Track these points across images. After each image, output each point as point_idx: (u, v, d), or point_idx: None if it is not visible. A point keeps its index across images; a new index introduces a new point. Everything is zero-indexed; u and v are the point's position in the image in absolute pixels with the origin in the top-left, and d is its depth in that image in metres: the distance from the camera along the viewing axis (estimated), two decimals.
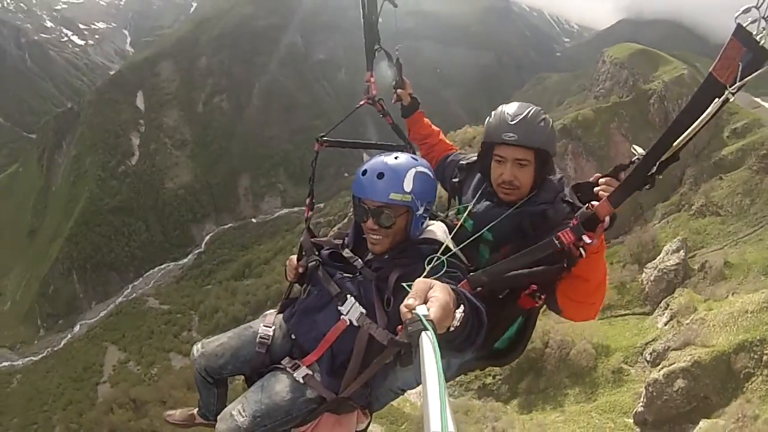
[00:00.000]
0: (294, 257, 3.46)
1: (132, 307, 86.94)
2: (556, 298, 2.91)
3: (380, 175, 2.79)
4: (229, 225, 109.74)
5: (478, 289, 2.71)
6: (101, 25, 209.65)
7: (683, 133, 2.14)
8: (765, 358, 21.45)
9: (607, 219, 2.53)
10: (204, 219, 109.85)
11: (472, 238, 3.10)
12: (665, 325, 28.14)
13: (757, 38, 1.84)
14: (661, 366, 23.12)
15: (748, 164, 46.00)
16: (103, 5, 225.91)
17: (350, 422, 3.05)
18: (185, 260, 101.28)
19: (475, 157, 3.56)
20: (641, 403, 22.25)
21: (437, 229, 3.08)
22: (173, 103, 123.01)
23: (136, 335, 77.16)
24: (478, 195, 3.37)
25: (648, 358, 26.15)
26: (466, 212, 3.25)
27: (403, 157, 2.93)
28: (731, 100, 1.98)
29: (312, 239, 3.35)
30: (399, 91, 4.02)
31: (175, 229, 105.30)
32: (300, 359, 3.01)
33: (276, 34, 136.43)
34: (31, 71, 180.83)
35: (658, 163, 2.31)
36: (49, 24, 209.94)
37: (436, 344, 1.29)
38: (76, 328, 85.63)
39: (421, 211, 2.92)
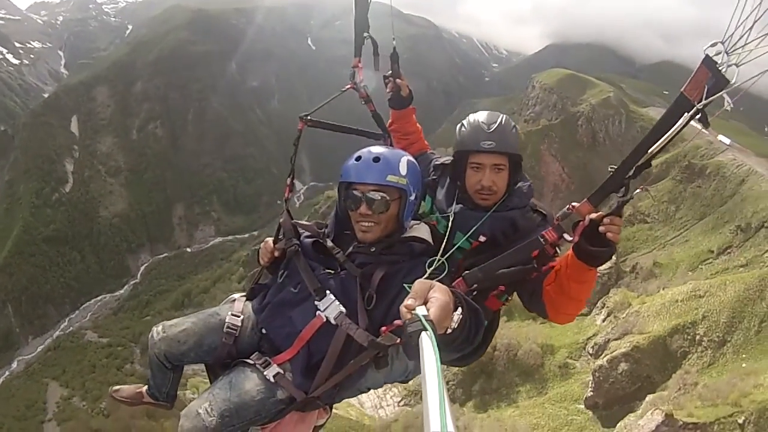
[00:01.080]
0: (270, 239, 3.39)
1: (70, 341, 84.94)
2: (545, 310, 3.06)
3: (376, 159, 2.85)
4: (165, 254, 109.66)
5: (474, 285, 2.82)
6: (36, 44, 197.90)
7: (657, 141, 2.55)
8: (698, 337, 25.00)
9: (587, 218, 2.74)
10: (139, 248, 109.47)
11: (456, 246, 3.19)
12: (603, 321, 31.11)
13: (720, 68, 2.30)
14: (604, 355, 25.84)
15: (672, 175, 50.71)
16: (40, 23, 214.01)
17: (312, 418, 3.02)
18: (121, 291, 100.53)
19: (449, 160, 3.66)
20: (590, 389, 24.93)
21: (422, 229, 3.14)
22: (108, 129, 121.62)
23: (77, 370, 75.16)
24: (454, 199, 3.43)
25: (590, 351, 28.80)
26: (451, 219, 3.30)
27: (392, 148, 3.14)
28: (698, 116, 2.43)
29: (293, 222, 3.29)
30: (398, 81, 4.01)
31: (110, 260, 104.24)
32: (270, 355, 2.93)
33: (211, 60, 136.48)
34: None
35: (634, 168, 2.67)
36: None
37: (436, 345, 1.32)
38: (14, 365, 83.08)
39: (412, 198, 2.97)
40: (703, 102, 2.36)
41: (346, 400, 3.49)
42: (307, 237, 3.20)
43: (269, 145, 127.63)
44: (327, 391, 2.84)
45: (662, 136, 2.55)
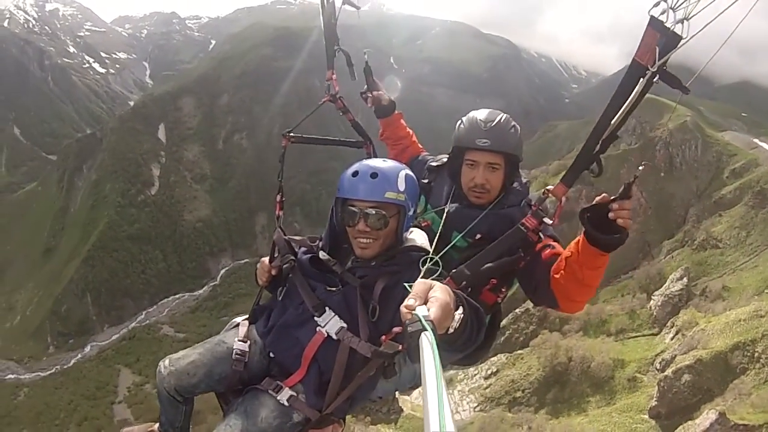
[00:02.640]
0: (265, 259, 3.29)
1: (146, 333, 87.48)
2: (555, 299, 2.99)
3: (374, 175, 2.76)
4: (245, 260, 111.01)
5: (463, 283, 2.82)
6: (122, 55, 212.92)
7: (617, 112, 2.52)
8: (756, 354, 25.40)
9: (564, 199, 2.78)
10: (220, 253, 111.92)
11: (451, 245, 3.18)
12: (671, 339, 31.44)
13: (668, 25, 2.27)
14: (669, 367, 26.62)
15: (745, 201, 50.33)
16: (125, 36, 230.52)
17: None
18: (200, 291, 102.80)
19: (444, 160, 3.66)
20: (655, 399, 25.47)
21: (419, 236, 3.09)
22: (194, 138, 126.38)
23: (152, 360, 75.47)
24: (450, 198, 3.45)
25: (658, 366, 29.15)
26: (443, 216, 3.32)
27: (390, 161, 2.98)
28: (655, 79, 2.40)
29: (286, 237, 3.25)
30: (375, 93, 4.04)
31: (191, 261, 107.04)
32: (280, 378, 2.89)
33: (295, 76, 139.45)
34: (53, 93, 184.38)
35: (600, 142, 2.63)
36: (72, 49, 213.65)
37: (435, 345, 1.30)
38: (87, 349, 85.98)
39: (411, 212, 2.93)
40: (657, 63, 2.34)
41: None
42: (304, 253, 3.13)
43: (349, 157, 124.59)
44: (339, 406, 2.81)
45: (622, 107, 2.51)
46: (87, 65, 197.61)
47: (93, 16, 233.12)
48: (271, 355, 2.99)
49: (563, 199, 2.81)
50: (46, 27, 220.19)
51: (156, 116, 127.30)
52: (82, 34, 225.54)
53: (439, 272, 2.64)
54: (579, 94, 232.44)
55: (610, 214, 2.55)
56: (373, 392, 3.03)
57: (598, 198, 2.60)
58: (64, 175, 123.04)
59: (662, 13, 2.27)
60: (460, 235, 3.22)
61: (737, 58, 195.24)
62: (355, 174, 2.79)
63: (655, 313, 36.74)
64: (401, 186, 2.80)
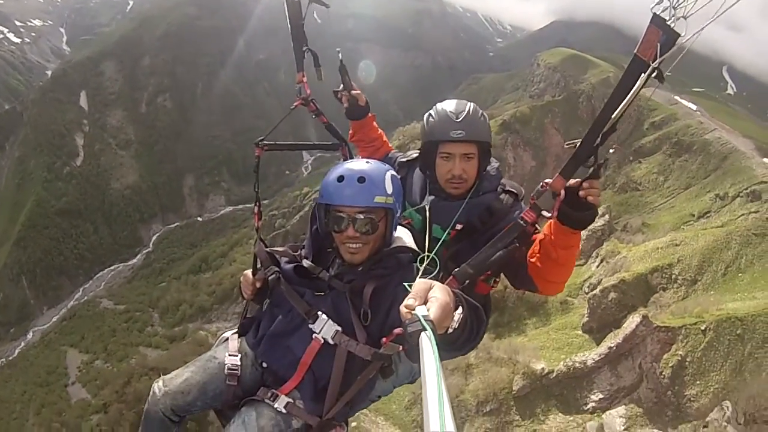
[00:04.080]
0: (248, 272, 3.26)
1: (86, 310, 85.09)
2: (533, 281, 3.09)
3: (361, 179, 2.72)
4: (176, 224, 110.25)
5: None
6: (37, 22, 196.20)
7: (618, 106, 2.56)
8: (674, 276, 29.71)
9: (563, 192, 2.79)
10: (151, 219, 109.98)
11: (440, 242, 3.17)
12: (597, 267, 35.19)
13: (669, 23, 2.35)
14: (597, 288, 30.20)
15: (663, 150, 55.74)
16: (40, 2, 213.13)
17: None
18: (134, 260, 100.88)
19: (414, 155, 3.73)
20: (586, 315, 28.98)
21: (404, 236, 3.10)
22: (117, 103, 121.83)
23: (96, 336, 75.31)
24: (426, 191, 3.50)
25: (586, 290, 32.63)
26: (428, 211, 3.36)
27: (373, 162, 2.92)
28: (654, 74, 2.46)
29: (267, 249, 3.22)
30: (353, 92, 4.03)
31: (122, 230, 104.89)
32: (275, 387, 2.88)
33: (219, 35, 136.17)
34: None
35: (600, 135, 2.66)
36: None
37: (435, 344, 1.31)
38: (30, 335, 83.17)
39: (398, 214, 2.90)
40: (658, 60, 2.42)
41: None
42: (287, 263, 3.14)
43: (276, 117, 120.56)
44: (340, 410, 2.82)
45: (623, 101, 2.58)
46: (2, 36, 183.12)
47: None
48: (264, 365, 3.00)
49: (562, 192, 2.82)
50: None
51: (77, 84, 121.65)
52: None
53: (437, 268, 2.74)
54: (503, 48, 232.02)
55: (581, 193, 2.74)
56: (374, 393, 3.05)
57: (571, 181, 2.80)
58: None
59: (664, 11, 2.38)
60: (446, 232, 3.29)
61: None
62: (340, 179, 2.75)
63: (580, 247, 40.76)
64: (389, 188, 2.78)
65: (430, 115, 3.41)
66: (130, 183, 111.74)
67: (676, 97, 71.75)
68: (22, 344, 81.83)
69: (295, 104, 3.93)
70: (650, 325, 24.37)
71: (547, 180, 2.91)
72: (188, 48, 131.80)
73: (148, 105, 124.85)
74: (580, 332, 29.07)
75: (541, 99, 74.88)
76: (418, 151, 3.63)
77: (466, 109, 3.31)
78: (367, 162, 2.87)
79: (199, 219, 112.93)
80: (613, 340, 25.21)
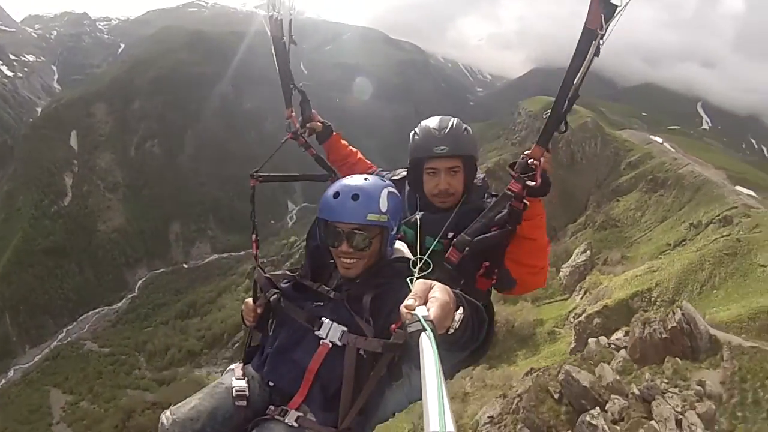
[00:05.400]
0: (249, 300, 3.24)
1: (70, 351, 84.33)
2: (509, 272, 3.15)
3: (355, 197, 2.72)
4: (162, 270, 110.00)
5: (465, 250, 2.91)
6: (31, 57, 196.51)
7: (578, 72, 2.71)
8: (653, 298, 31.72)
9: (543, 159, 2.90)
10: (136, 263, 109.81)
11: (430, 249, 3.09)
12: (581, 299, 37.29)
13: None
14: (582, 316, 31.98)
15: (639, 187, 59.23)
16: (34, 37, 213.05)
17: None
18: (119, 304, 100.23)
19: (403, 173, 3.71)
20: (573, 341, 30.62)
21: (401, 247, 3.14)
22: (106, 145, 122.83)
23: (81, 377, 74.62)
24: (416, 207, 3.48)
25: (572, 320, 34.45)
26: (418, 224, 3.30)
27: (372, 178, 2.90)
28: (603, 42, 2.60)
29: (266, 275, 3.19)
30: (309, 124, 4.16)
31: (107, 273, 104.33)
32: (285, 404, 2.78)
33: (208, 81, 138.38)
34: None
35: (567, 102, 2.79)
36: None
37: (435, 345, 1.30)
38: (11, 373, 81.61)
39: (394, 231, 2.89)
40: (604, 28, 2.58)
41: None
42: (285, 283, 3.15)
43: (264, 163, 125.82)
44: (355, 420, 2.68)
45: (581, 67, 2.71)
46: None
47: (2, 14, 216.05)
48: (271, 383, 2.92)
49: (541, 159, 2.91)
50: None
51: (68, 122, 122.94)
52: None
53: (430, 269, 2.62)
54: (484, 97, 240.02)
55: (532, 162, 2.93)
56: (385, 404, 2.91)
57: (524, 153, 2.98)
58: None
59: None
60: (436, 240, 3.24)
61: (641, 64, 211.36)
62: (336, 195, 2.76)
63: (564, 282, 43.47)
64: (383, 206, 2.77)
65: (415, 132, 3.47)
66: (116, 226, 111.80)
67: (651, 137, 76.08)
68: (3, 381, 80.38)
69: (285, 138, 4.06)
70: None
71: (527, 151, 3.00)
72: (178, 93, 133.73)
73: (137, 149, 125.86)
74: (568, 357, 30.76)
75: (523, 146, 76.89)
76: (406, 169, 3.66)
77: (449, 125, 3.36)
78: (365, 179, 2.88)
79: (185, 265, 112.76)
80: None
